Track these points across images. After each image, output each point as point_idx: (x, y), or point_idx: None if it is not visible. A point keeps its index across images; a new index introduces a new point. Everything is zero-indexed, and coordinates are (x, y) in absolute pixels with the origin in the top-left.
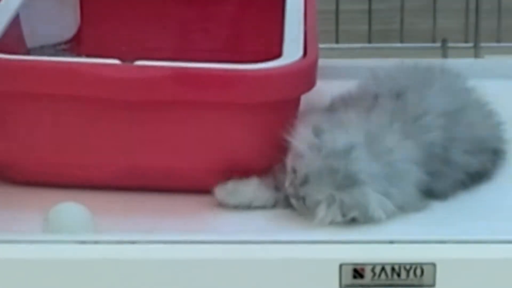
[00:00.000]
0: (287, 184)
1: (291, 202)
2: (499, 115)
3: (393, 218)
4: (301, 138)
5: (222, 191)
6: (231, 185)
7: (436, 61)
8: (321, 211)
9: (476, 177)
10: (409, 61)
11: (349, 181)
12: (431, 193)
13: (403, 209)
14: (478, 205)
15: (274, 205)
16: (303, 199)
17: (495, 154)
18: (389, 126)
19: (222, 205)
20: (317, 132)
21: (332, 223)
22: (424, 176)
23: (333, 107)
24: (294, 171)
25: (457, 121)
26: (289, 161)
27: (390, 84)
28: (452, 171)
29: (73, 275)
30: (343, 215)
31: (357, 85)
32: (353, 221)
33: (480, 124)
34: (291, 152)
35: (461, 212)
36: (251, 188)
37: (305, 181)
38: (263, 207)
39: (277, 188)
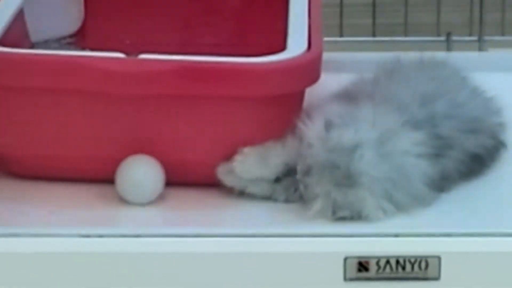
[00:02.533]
0: (298, 169)
1: (300, 187)
2: (497, 101)
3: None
4: (313, 128)
5: (223, 170)
6: (228, 166)
7: (440, 55)
8: (316, 206)
9: (477, 162)
10: (407, 55)
11: (348, 181)
12: (437, 179)
13: (408, 208)
14: (484, 197)
15: (271, 195)
16: (305, 187)
17: (494, 139)
18: (399, 122)
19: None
20: (328, 126)
21: (322, 218)
22: (432, 170)
23: (352, 95)
24: (304, 158)
25: (445, 101)
26: (300, 149)
27: (384, 79)
28: (451, 150)
29: (78, 269)
30: (333, 213)
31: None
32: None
33: (474, 105)
34: (302, 140)
35: (466, 204)
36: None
37: (307, 172)
38: (259, 194)
39: (277, 179)
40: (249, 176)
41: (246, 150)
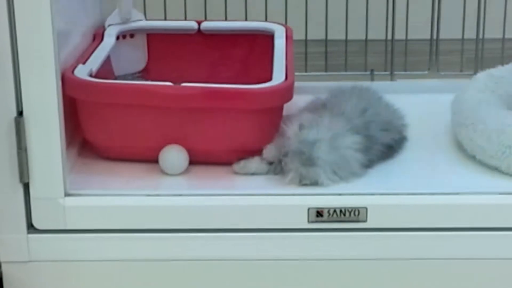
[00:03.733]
0: (282, 152)
1: (282, 164)
2: (401, 111)
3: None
4: (291, 128)
5: (237, 166)
6: (242, 163)
7: (366, 83)
8: (289, 176)
9: (390, 150)
10: (346, 83)
11: (310, 162)
12: (366, 162)
13: (349, 178)
14: (394, 171)
15: (267, 173)
16: (285, 164)
17: (400, 134)
18: (345, 128)
19: (237, 174)
20: (301, 127)
21: (293, 184)
22: (363, 158)
23: (314, 108)
24: (284, 146)
25: (367, 112)
26: (284, 140)
27: (333, 98)
28: (374, 144)
29: (143, 216)
30: (300, 181)
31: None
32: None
33: (385, 113)
34: (285, 135)
35: (383, 176)
36: (254, 164)
37: (286, 155)
38: (260, 174)
39: (270, 163)
40: (251, 171)
41: (250, 159)
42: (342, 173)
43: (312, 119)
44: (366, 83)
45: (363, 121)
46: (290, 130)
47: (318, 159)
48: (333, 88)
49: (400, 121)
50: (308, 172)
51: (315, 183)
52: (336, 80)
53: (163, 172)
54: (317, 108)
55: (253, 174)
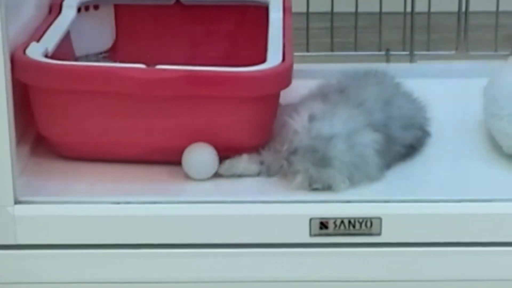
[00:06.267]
0: (284, 148)
1: (283, 163)
2: (423, 100)
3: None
4: (299, 120)
5: (221, 168)
6: (227, 163)
7: (381, 65)
8: (297, 179)
9: (411, 150)
10: (356, 66)
11: (323, 162)
12: (384, 166)
13: (364, 184)
14: (414, 174)
15: (258, 174)
16: (289, 164)
17: (422, 130)
18: (364, 123)
19: (222, 176)
20: (311, 119)
21: (301, 189)
22: (381, 161)
23: (322, 95)
24: (291, 141)
25: (390, 105)
26: (288, 134)
27: (345, 84)
28: (393, 145)
29: (111, 228)
30: (309, 185)
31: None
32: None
33: (408, 106)
34: (290, 128)
35: (401, 179)
36: (242, 164)
37: (294, 152)
38: (249, 176)
39: (261, 162)
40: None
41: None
42: (357, 177)
43: (324, 110)
44: (381, 66)
45: (383, 116)
46: (298, 122)
47: (333, 159)
48: (343, 72)
49: (422, 114)
50: (320, 174)
51: (327, 188)
52: (344, 62)
53: (187, 177)
54: (326, 95)
55: (240, 175)
